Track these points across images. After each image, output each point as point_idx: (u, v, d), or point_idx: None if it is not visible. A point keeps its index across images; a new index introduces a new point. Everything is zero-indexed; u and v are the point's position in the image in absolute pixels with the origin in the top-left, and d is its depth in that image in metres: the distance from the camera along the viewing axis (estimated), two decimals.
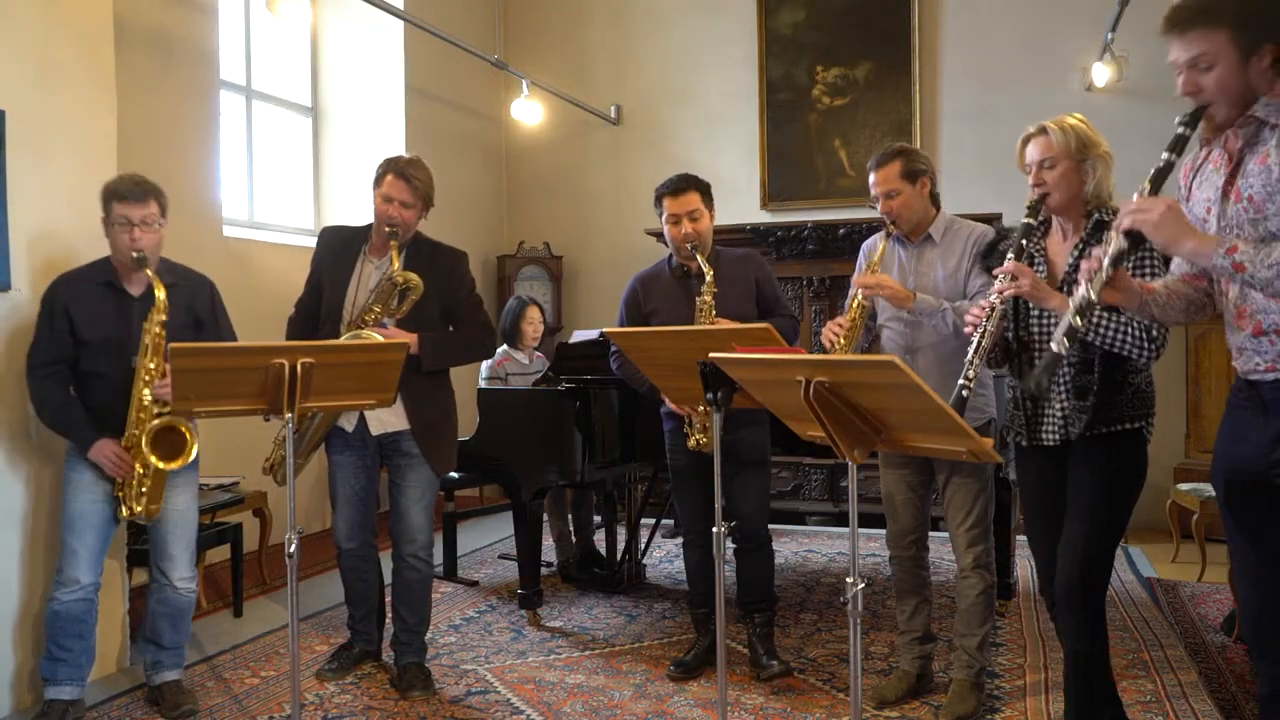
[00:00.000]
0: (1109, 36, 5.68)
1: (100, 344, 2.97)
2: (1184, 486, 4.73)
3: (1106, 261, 2.02)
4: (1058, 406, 2.47)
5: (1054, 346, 2.12)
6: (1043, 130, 2.46)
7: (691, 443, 3.14)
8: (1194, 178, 2.07)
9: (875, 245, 3.09)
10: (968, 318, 2.47)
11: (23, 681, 3.15)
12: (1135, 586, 4.45)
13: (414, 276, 3.10)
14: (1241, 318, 1.94)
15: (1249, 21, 1.84)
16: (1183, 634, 3.75)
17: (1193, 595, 4.30)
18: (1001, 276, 2.42)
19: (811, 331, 5.88)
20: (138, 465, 2.97)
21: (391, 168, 3.18)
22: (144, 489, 2.99)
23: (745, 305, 3.27)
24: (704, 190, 3.32)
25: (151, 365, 2.93)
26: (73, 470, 3.03)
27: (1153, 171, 1.98)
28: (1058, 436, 2.49)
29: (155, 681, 3.15)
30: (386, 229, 3.13)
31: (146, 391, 2.93)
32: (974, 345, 2.40)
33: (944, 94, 6.44)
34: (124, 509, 3.01)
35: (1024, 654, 3.57)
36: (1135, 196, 1.97)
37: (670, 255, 3.42)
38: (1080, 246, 2.45)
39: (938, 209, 3.07)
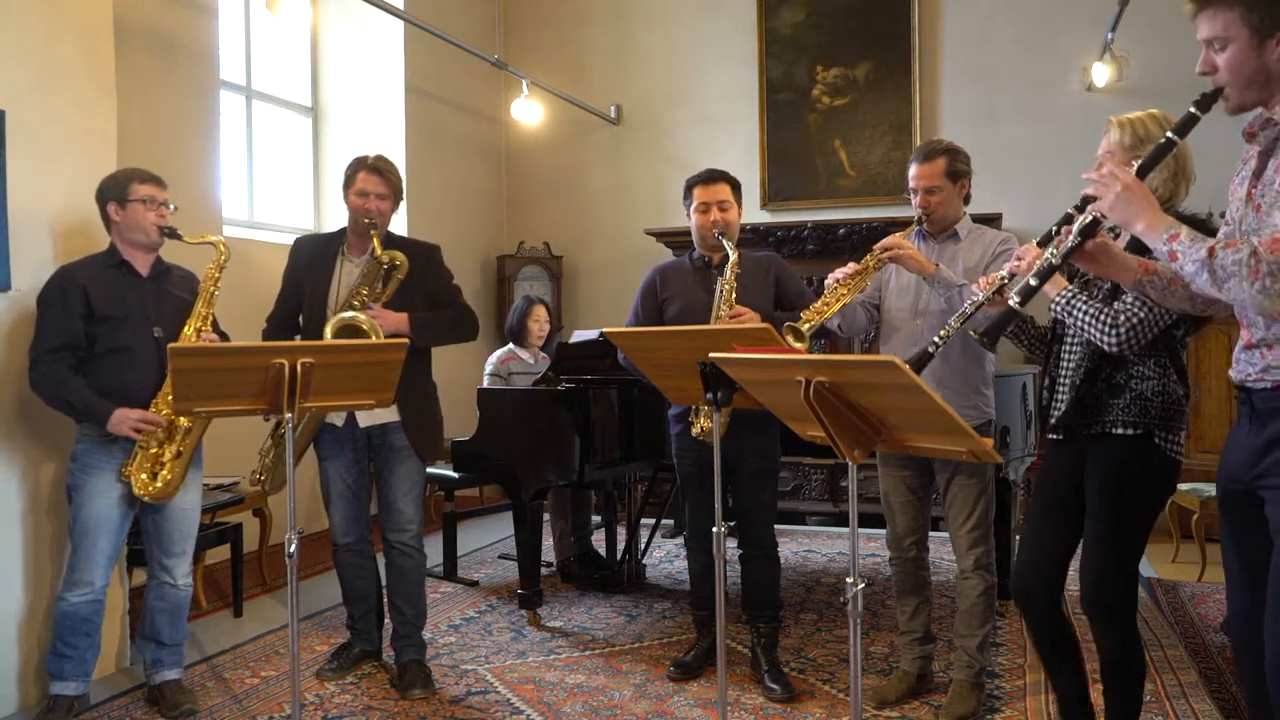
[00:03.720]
0: (1109, 36, 5.68)
1: (124, 319, 3.01)
2: (1184, 486, 4.73)
3: (1075, 229, 2.00)
4: (1061, 398, 2.45)
5: (1010, 301, 2.09)
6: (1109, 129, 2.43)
7: (695, 430, 3.09)
8: (1238, 173, 1.98)
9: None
10: (980, 280, 2.42)
11: (28, 678, 3.15)
12: None
13: (399, 254, 3.17)
14: (1242, 327, 1.91)
15: (1261, 2, 1.79)
16: (1183, 634, 3.75)
17: (1193, 595, 4.30)
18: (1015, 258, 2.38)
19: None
20: (159, 432, 2.98)
21: (362, 165, 3.29)
22: (163, 461, 3.00)
23: (763, 303, 3.22)
24: (735, 185, 3.34)
25: (204, 312, 3.10)
26: (88, 475, 3.01)
27: (1153, 148, 1.94)
28: (1057, 432, 2.48)
29: (156, 680, 3.15)
30: (365, 221, 3.21)
31: (190, 331, 3.06)
32: (959, 312, 2.38)
33: (944, 94, 6.44)
34: (136, 486, 2.99)
35: (1024, 654, 3.56)
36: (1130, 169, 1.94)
37: (691, 250, 3.41)
38: None
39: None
